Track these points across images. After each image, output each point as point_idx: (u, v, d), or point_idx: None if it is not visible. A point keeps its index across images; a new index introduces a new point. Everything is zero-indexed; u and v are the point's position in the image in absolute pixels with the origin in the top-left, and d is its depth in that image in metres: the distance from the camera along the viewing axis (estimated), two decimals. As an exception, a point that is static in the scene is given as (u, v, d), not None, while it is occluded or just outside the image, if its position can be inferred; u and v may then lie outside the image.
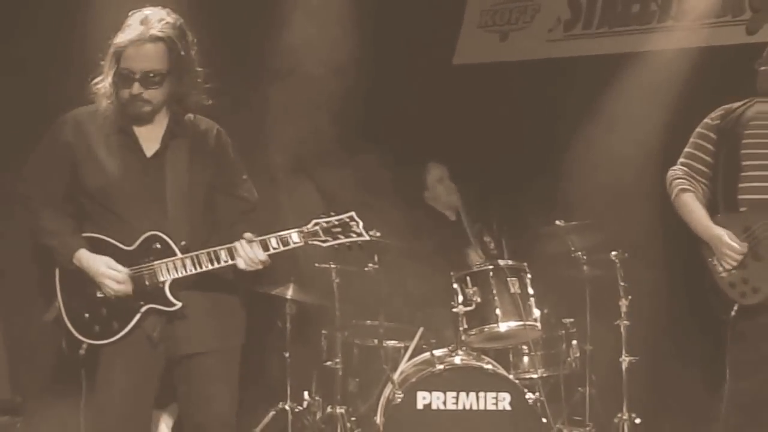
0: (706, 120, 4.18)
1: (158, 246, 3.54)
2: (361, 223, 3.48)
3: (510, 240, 6.01)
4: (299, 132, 6.31)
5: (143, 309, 3.55)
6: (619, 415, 5.37)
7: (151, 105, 3.53)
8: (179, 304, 3.54)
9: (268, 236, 3.48)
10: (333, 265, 5.45)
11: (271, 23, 6.10)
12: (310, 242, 3.47)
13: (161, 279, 3.52)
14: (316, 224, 3.47)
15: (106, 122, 3.56)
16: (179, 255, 3.52)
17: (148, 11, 3.53)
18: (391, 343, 5.50)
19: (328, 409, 5.43)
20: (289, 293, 5.67)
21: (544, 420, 5.05)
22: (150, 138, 3.61)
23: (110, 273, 3.50)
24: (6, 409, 5.02)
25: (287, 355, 5.64)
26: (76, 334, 3.55)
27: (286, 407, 5.57)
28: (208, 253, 3.51)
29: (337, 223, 3.47)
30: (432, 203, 6.33)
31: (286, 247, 3.48)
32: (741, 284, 3.88)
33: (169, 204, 3.57)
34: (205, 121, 3.74)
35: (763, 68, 4.12)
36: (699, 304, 4.26)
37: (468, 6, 7.25)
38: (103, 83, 3.53)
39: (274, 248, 3.48)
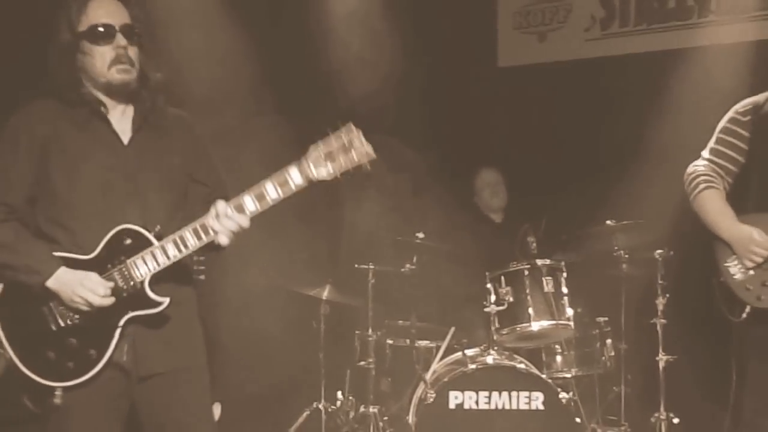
0: (733, 115, 3.97)
1: (129, 241, 2.96)
2: (360, 133, 2.91)
3: (556, 240, 5.97)
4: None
5: (123, 320, 2.96)
6: (656, 415, 5.31)
7: (134, 69, 3.06)
8: (166, 301, 2.96)
9: (242, 195, 2.96)
10: (371, 266, 5.51)
11: (317, 39, 6.26)
12: (314, 176, 2.90)
13: (138, 277, 2.95)
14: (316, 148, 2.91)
15: (77, 107, 3.06)
16: (156, 243, 2.96)
17: None
18: (423, 342, 5.53)
19: (361, 409, 5.48)
20: (325, 294, 5.72)
21: (578, 420, 5.03)
22: (122, 124, 3.12)
23: (90, 285, 2.91)
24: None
25: (321, 355, 5.71)
26: (45, 382, 2.94)
27: (320, 407, 5.64)
28: (195, 230, 2.95)
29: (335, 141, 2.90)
30: (480, 206, 6.37)
31: (263, 203, 2.95)
32: (759, 288, 3.73)
33: (147, 192, 3.06)
34: (173, 110, 3.27)
35: None
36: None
37: (500, 8, 7.27)
38: (67, 54, 3.03)
39: (251, 211, 2.95)
